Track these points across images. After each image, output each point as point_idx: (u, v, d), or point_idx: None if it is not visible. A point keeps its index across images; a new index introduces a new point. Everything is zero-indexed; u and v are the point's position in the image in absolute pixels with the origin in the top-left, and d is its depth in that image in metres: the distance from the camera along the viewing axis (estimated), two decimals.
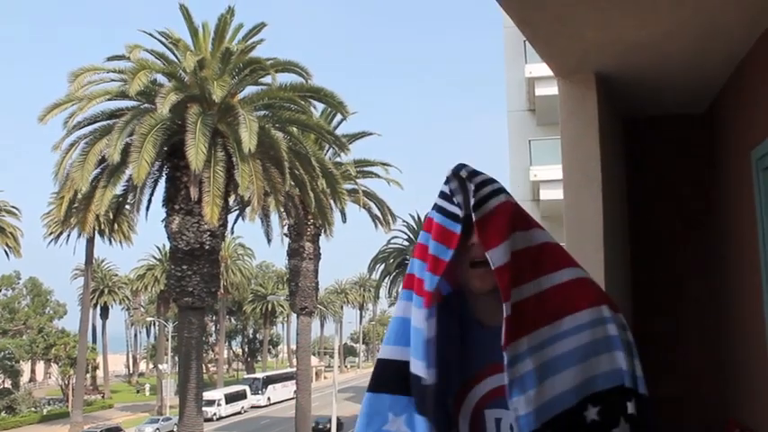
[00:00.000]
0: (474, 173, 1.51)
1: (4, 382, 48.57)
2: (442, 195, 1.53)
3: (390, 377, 1.58)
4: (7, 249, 47.56)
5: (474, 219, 1.46)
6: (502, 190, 1.52)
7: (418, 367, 1.50)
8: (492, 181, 1.52)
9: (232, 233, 31.62)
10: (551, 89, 15.80)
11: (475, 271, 1.49)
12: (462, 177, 1.49)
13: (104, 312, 76.29)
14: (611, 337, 1.47)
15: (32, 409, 54.13)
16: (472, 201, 1.47)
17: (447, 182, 1.52)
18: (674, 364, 3.07)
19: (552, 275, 1.49)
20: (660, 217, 3.27)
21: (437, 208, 1.53)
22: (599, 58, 2.76)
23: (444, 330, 1.53)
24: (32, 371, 73.17)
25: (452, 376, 1.56)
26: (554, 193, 16.36)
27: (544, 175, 18.91)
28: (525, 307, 1.44)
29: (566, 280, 1.49)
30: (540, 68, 17.41)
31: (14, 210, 48.14)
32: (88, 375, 62.97)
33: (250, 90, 23.41)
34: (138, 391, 75.90)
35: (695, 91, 3.09)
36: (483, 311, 1.56)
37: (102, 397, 67.87)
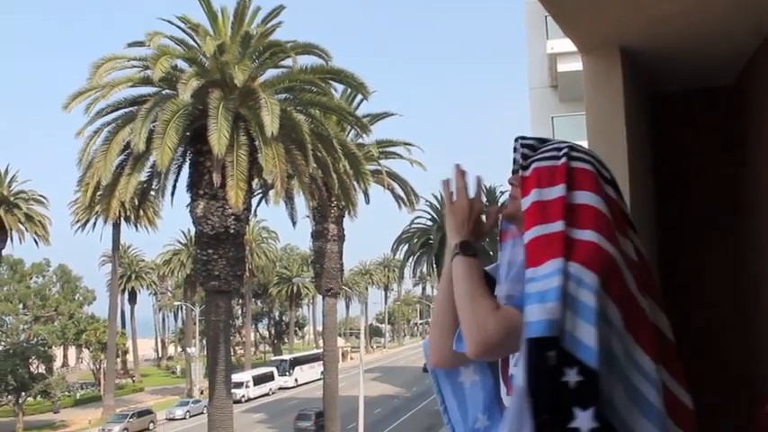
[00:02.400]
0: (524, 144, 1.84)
1: (38, 367, 49.50)
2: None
3: None
4: (36, 237, 48.26)
5: (522, 174, 1.77)
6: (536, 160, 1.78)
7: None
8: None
9: (255, 216, 31.84)
10: (573, 65, 15.60)
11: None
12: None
13: (132, 297, 77.39)
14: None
15: (66, 393, 55.20)
16: (519, 164, 1.80)
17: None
18: (708, 350, 3.03)
19: (539, 227, 1.69)
20: (689, 193, 3.23)
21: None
22: (623, 32, 2.72)
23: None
24: (65, 356, 74.51)
25: None
26: None
27: None
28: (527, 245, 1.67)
29: (536, 235, 1.67)
30: (562, 44, 17.20)
31: (42, 198, 48.81)
32: (118, 360, 64.08)
33: (271, 73, 23.46)
34: (173, 372, 76.96)
35: (723, 63, 3.04)
36: None
37: (133, 381, 68.97)
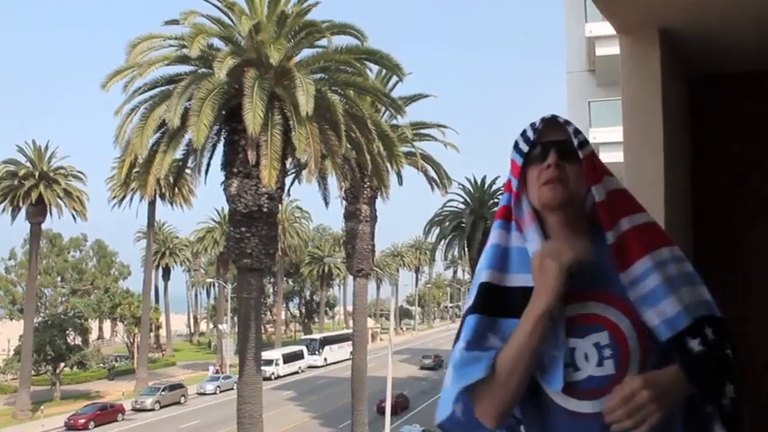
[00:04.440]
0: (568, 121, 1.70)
1: (74, 338, 50.72)
2: (521, 134, 1.71)
3: (488, 300, 1.68)
4: (74, 213, 49.11)
5: (582, 155, 1.65)
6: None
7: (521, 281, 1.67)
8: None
9: (289, 196, 32.02)
10: (612, 49, 15.35)
11: (546, 186, 1.64)
12: (559, 122, 1.68)
13: (166, 274, 78.57)
14: (693, 273, 1.66)
15: (101, 365, 56.46)
16: (575, 141, 1.65)
17: (533, 124, 1.69)
18: (743, 335, 2.96)
19: (640, 215, 1.69)
20: (729, 181, 3.15)
21: (514, 145, 1.72)
22: (664, 12, 2.65)
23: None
24: (100, 329, 76.11)
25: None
26: (614, 156, 16.00)
27: (604, 137, 18.49)
28: (626, 237, 1.63)
29: (648, 221, 1.69)
30: (601, 27, 16.95)
31: (80, 174, 49.59)
32: (152, 334, 65.22)
33: (306, 53, 23.44)
34: (210, 345, 78.09)
35: (765, 45, 2.95)
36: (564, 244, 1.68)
37: (162, 355, 70.19)
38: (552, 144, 1.65)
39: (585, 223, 1.69)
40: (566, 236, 1.66)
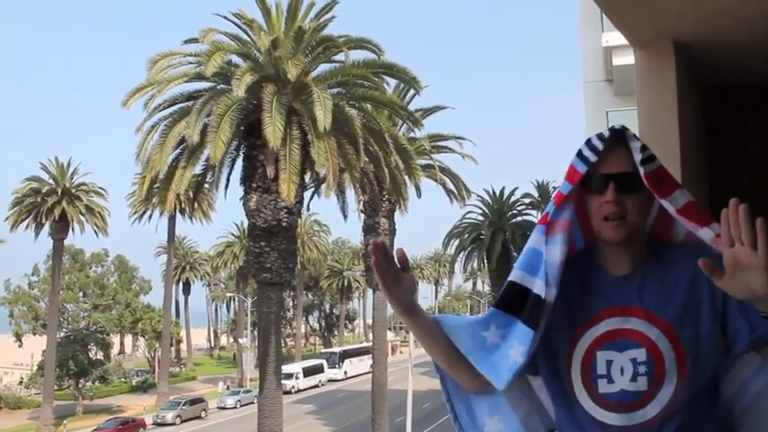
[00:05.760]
0: (636, 136, 1.62)
1: (96, 353, 51.03)
2: (587, 143, 1.64)
3: (508, 298, 1.72)
4: (96, 229, 49.52)
5: (643, 172, 1.57)
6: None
7: (539, 287, 1.65)
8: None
9: (308, 210, 32.07)
10: (629, 58, 15.33)
11: (607, 223, 1.61)
12: (626, 136, 1.60)
13: (186, 288, 78.79)
14: None
15: (122, 379, 56.65)
16: (639, 156, 1.58)
17: (601, 134, 1.61)
18: None
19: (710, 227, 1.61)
20: (747, 191, 3.15)
21: (578, 152, 1.65)
22: (677, 26, 2.67)
23: (567, 275, 1.65)
24: (121, 343, 76.41)
25: (570, 318, 1.69)
26: None
27: None
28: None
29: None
30: (618, 37, 16.90)
31: (102, 191, 50.02)
32: (172, 348, 65.40)
33: (323, 68, 23.57)
34: (234, 357, 78.11)
35: None
36: (612, 261, 1.68)
37: (181, 369, 70.34)
38: (612, 177, 1.59)
39: (642, 240, 1.67)
40: (617, 253, 1.67)
